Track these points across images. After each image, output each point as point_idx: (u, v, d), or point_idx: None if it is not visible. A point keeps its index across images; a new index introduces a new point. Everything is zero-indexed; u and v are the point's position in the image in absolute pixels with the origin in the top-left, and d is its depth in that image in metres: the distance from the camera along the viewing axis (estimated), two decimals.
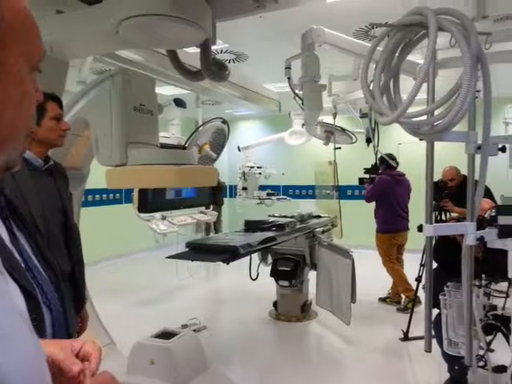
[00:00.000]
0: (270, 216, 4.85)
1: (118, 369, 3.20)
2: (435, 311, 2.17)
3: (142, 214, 3.65)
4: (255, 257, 4.50)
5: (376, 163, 4.63)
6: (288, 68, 3.02)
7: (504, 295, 2.30)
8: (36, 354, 0.55)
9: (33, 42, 0.57)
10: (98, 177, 2.61)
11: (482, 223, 1.75)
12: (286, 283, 4.38)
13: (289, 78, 3.01)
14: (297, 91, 3.06)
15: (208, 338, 3.95)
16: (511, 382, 2.27)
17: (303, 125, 4.16)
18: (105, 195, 7.23)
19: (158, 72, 3.45)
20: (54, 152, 1.92)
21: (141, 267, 7.00)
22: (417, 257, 3.96)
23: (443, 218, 3.67)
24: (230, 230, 5.23)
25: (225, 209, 8.19)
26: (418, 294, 4.12)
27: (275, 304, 4.63)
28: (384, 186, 4.88)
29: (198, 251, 3.54)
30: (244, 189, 5.49)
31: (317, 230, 4.60)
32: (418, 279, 3.92)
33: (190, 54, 2.72)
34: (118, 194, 7.46)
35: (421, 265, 3.91)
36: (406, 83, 1.81)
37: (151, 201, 3.54)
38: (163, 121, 3.65)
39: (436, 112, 1.53)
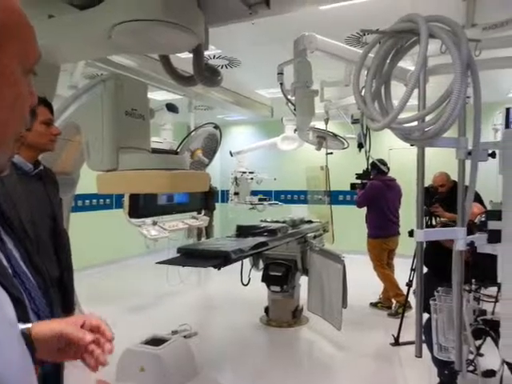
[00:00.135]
0: (261, 221, 4.85)
1: (106, 376, 3.16)
2: (425, 316, 2.18)
3: (133, 220, 3.63)
4: (247, 262, 4.48)
5: (367, 168, 4.66)
6: (280, 74, 3.04)
7: (493, 300, 2.32)
8: (24, 363, 0.54)
9: (28, 44, 0.56)
10: (88, 182, 2.59)
11: (471, 228, 1.76)
12: (277, 288, 4.37)
13: (281, 84, 3.03)
14: (289, 97, 3.07)
15: (198, 344, 3.92)
16: None
17: (295, 130, 4.18)
18: (95, 200, 7.17)
19: (151, 77, 3.45)
20: (43, 157, 1.90)
21: (131, 273, 6.94)
22: (407, 262, 3.98)
23: (433, 223, 3.70)
24: (221, 235, 5.22)
25: (217, 214, 8.17)
26: (409, 299, 4.14)
27: (267, 309, 4.61)
28: (375, 192, 4.91)
29: (190, 256, 3.52)
30: (236, 194, 5.49)
31: (308, 235, 4.61)
32: (409, 284, 3.94)
33: (183, 60, 2.72)
34: (108, 200, 7.40)
35: (411, 270, 3.92)
36: (397, 89, 1.82)
37: (142, 206, 3.52)
38: (155, 126, 3.65)
39: (427, 118, 1.54)
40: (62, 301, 1.82)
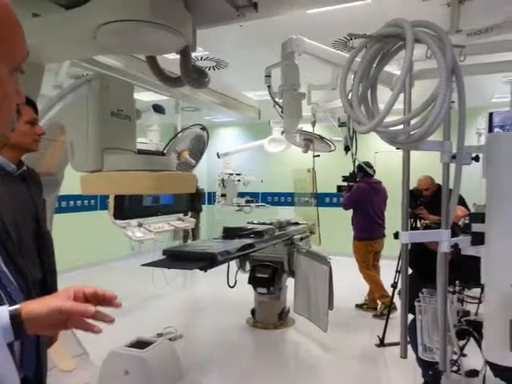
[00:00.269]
0: (248, 223, 4.84)
1: (90, 379, 3.12)
2: (410, 317, 2.20)
3: (118, 221, 3.59)
4: (233, 264, 4.47)
5: (354, 171, 4.70)
6: (268, 76, 3.05)
7: (477, 301, 2.36)
8: (7, 368, 0.53)
9: (15, 42, 0.55)
10: (72, 182, 2.55)
11: (455, 230, 1.79)
12: (264, 290, 4.36)
13: (269, 86, 3.04)
14: (276, 99, 3.08)
15: (184, 347, 3.89)
16: None
17: (282, 132, 4.19)
18: (79, 201, 7.07)
19: (137, 78, 3.42)
20: (27, 157, 1.87)
21: (116, 275, 6.86)
22: (393, 263, 4.02)
23: (418, 225, 3.75)
24: (208, 237, 5.20)
25: (203, 216, 8.13)
26: (394, 301, 4.18)
27: (253, 311, 4.61)
28: (361, 194, 4.95)
29: (175, 259, 3.50)
30: (223, 196, 5.47)
31: (295, 237, 4.62)
32: (394, 285, 3.98)
33: (170, 61, 2.71)
34: (92, 201, 7.31)
35: (396, 271, 3.97)
36: (384, 93, 1.85)
37: (127, 207, 3.48)
38: (141, 127, 3.61)
39: (412, 122, 1.56)
40: None
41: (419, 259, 2.46)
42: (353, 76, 1.66)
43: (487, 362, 2.02)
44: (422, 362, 2.70)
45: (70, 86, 2.04)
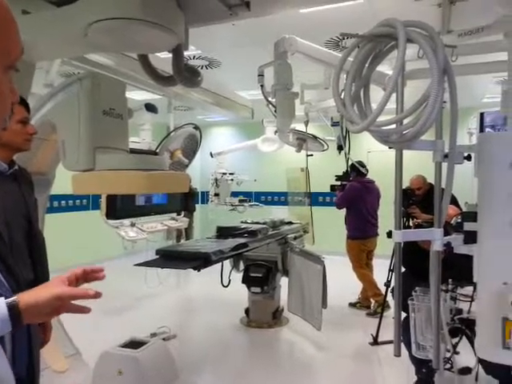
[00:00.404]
0: (242, 222, 4.84)
1: (83, 380, 3.10)
2: (403, 315, 2.21)
3: (110, 221, 3.57)
4: (227, 263, 4.46)
5: (347, 170, 4.72)
6: (261, 75, 3.04)
7: (469, 299, 2.38)
8: (3, 370, 0.53)
9: (10, 40, 0.53)
10: (63, 182, 2.53)
11: (447, 229, 1.80)
12: (257, 290, 4.36)
13: (262, 86, 3.03)
14: (270, 99, 3.08)
15: (178, 347, 3.88)
16: (475, 383, 2.35)
17: (276, 132, 4.19)
18: (71, 201, 7.02)
19: (129, 76, 3.40)
20: (18, 156, 1.85)
21: (108, 275, 6.68)
22: (386, 262, 4.04)
23: (410, 224, 3.77)
24: (201, 237, 5.19)
25: (197, 215, 8.11)
26: (387, 299, 4.21)
27: (247, 311, 4.61)
28: (354, 193, 4.97)
29: (169, 258, 3.48)
30: (216, 195, 5.46)
31: (289, 236, 4.62)
32: (387, 284, 4.00)
33: (162, 59, 2.69)
34: (85, 200, 7.26)
35: (389, 270, 3.99)
36: (376, 93, 1.85)
37: (120, 207, 3.47)
38: (134, 126, 3.59)
39: (405, 121, 1.57)
40: None
41: (412, 258, 2.47)
42: (345, 75, 1.66)
43: (480, 360, 2.04)
44: (415, 360, 2.71)
45: (61, 84, 2.02)
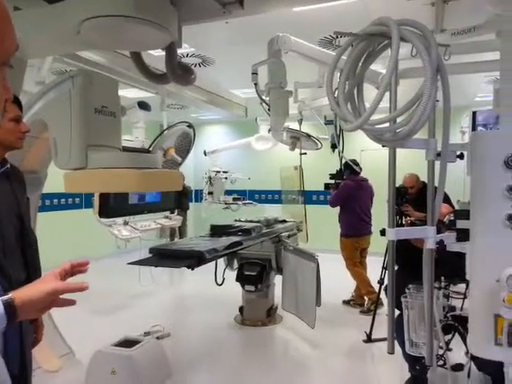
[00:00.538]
0: (236, 221, 4.84)
1: (76, 379, 3.09)
2: (396, 312, 2.23)
3: (103, 219, 3.55)
4: (221, 262, 4.46)
5: (341, 169, 4.73)
6: (254, 74, 3.04)
7: (462, 296, 2.40)
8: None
9: (4, 36, 0.52)
10: (56, 180, 2.51)
11: (439, 227, 1.81)
12: (252, 288, 4.37)
13: (255, 84, 3.03)
14: (263, 97, 3.07)
15: (172, 345, 3.88)
16: (468, 379, 2.37)
17: (269, 130, 4.19)
18: (63, 200, 6.97)
19: (122, 74, 3.38)
20: (10, 155, 1.83)
21: (101, 274, 6.77)
22: (379, 260, 4.06)
23: (403, 222, 3.79)
24: (195, 235, 5.18)
25: (190, 213, 8.08)
26: (381, 296, 4.23)
27: (241, 309, 4.61)
28: (348, 191, 4.98)
29: (162, 257, 3.47)
30: (210, 193, 5.45)
31: (283, 234, 4.63)
32: (381, 282, 4.02)
33: (155, 57, 2.68)
34: (77, 199, 7.21)
35: (383, 267, 4.01)
36: (369, 92, 1.85)
37: (113, 205, 3.44)
38: (127, 124, 3.57)
39: (398, 120, 1.57)
40: None
41: (405, 256, 2.49)
42: (339, 74, 1.66)
43: (472, 356, 2.06)
44: (408, 357, 2.73)
45: (53, 82, 2.00)
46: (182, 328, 4.61)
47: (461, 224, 1.73)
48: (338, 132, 3.45)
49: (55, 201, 6.81)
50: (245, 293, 4.52)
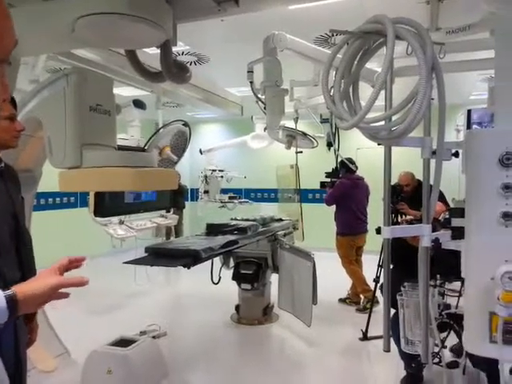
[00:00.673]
0: (232, 219, 4.83)
1: (72, 379, 3.07)
2: (392, 310, 2.24)
3: (99, 219, 3.53)
4: (217, 261, 4.46)
5: (336, 167, 4.73)
6: (250, 72, 3.03)
7: (457, 294, 2.41)
8: None
9: (4, 34, 0.52)
10: (50, 179, 2.49)
11: (434, 225, 1.81)
12: (248, 286, 4.37)
13: (251, 82, 3.02)
14: (259, 95, 3.07)
15: (168, 345, 3.87)
16: (463, 375, 2.39)
17: (265, 129, 4.18)
18: (58, 198, 6.94)
19: (117, 72, 3.36)
20: (4, 153, 1.82)
21: (97, 273, 6.74)
22: (375, 258, 4.07)
23: (399, 220, 3.80)
24: (191, 234, 5.17)
25: (186, 212, 8.08)
26: (376, 295, 4.24)
27: (237, 308, 4.61)
28: (344, 190, 4.99)
29: (158, 256, 3.46)
30: (206, 192, 5.44)
31: (279, 233, 4.63)
32: (376, 280, 4.03)
33: (150, 55, 2.67)
34: (72, 198, 7.18)
35: (378, 266, 4.02)
36: (365, 90, 1.85)
37: (108, 204, 3.42)
38: (122, 122, 3.55)
39: (393, 118, 1.57)
40: None
41: (400, 254, 2.49)
42: (334, 72, 1.66)
43: (467, 354, 2.07)
44: (404, 355, 2.74)
45: (47, 79, 1.98)
46: (178, 327, 4.60)
47: (456, 222, 1.74)
48: (334, 130, 3.46)
49: (50, 200, 6.78)
50: (241, 291, 4.51)
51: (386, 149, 1.73)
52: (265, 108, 3.11)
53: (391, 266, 1.83)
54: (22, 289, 0.89)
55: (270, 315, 4.60)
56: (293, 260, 4.19)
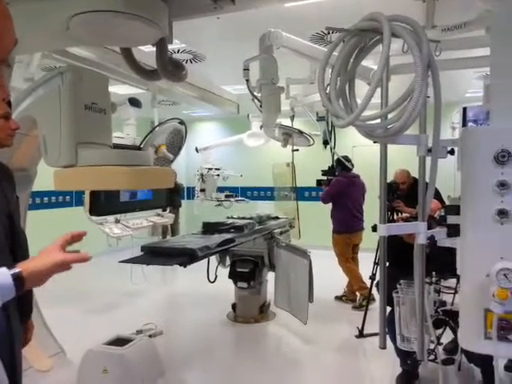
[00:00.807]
0: (228, 218, 4.83)
1: (67, 378, 3.06)
2: (388, 308, 2.24)
3: (94, 217, 3.51)
4: (213, 259, 4.45)
5: (333, 165, 4.74)
6: (246, 70, 3.02)
7: (453, 291, 2.42)
8: None
9: (3, 35, 0.51)
10: (46, 178, 2.48)
11: (430, 223, 1.82)
12: (244, 285, 4.37)
13: (247, 80, 3.02)
14: (255, 93, 3.06)
15: (165, 343, 3.87)
16: (458, 371, 2.40)
17: (261, 127, 4.18)
18: (53, 197, 6.90)
19: (112, 70, 3.34)
20: None
21: (92, 272, 6.72)
22: (371, 256, 4.08)
23: (395, 217, 3.81)
24: (187, 233, 5.16)
25: (182, 211, 8.06)
26: (372, 292, 4.25)
27: (234, 306, 4.61)
28: (340, 188, 5.00)
29: (154, 255, 3.46)
30: (202, 190, 5.44)
31: (275, 231, 4.63)
32: (372, 277, 4.05)
33: (146, 53, 2.65)
34: (68, 197, 7.15)
35: (374, 263, 4.03)
36: (361, 88, 1.85)
37: (104, 203, 3.41)
38: (118, 121, 3.54)
39: (389, 116, 1.57)
40: (19, 303, 1.73)
41: (396, 251, 2.50)
42: (331, 70, 1.66)
43: (462, 350, 2.08)
44: (400, 352, 2.75)
45: (42, 78, 1.97)
46: (175, 326, 4.60)
47: (451, 219, 1.74)
48: (330, 128, 3.46)
49: (45, 199, 6.74)
50: (237, 290, 4.51)
51: (382, 146, 1.73)
52: (261, 106, 3.11)
53: (387, 264, 1.84)
54: (27, 266, 0.95)
55: (267, 313, 4.61)
56: (289, 258, 4.19)
